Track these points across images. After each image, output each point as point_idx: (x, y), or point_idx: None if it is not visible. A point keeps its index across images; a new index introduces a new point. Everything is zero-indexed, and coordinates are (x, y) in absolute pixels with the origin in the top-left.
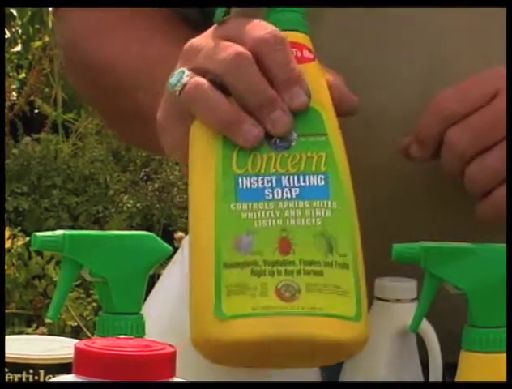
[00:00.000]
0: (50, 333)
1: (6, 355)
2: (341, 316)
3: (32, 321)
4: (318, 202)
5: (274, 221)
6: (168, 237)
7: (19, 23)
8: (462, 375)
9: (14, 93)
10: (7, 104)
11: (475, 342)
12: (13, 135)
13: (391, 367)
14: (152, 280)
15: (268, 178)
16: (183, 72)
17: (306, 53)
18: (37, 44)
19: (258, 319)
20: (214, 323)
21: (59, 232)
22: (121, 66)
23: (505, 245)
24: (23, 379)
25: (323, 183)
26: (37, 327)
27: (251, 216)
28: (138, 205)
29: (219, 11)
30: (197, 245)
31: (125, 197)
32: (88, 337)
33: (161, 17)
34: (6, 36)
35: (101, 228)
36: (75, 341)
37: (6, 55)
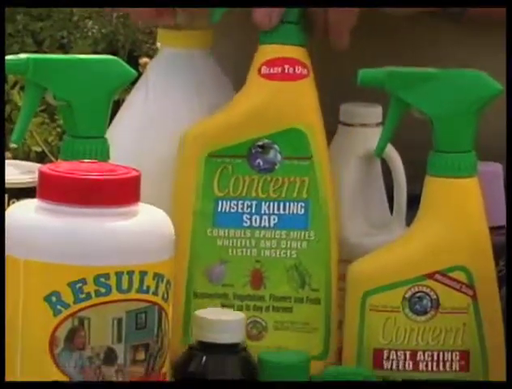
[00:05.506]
0: (15, 158)
1: None
2: None
3: None
4: (296, 232)
5: (249, 251)
6: (133, 62)
7: None
8: (426, 200)
9: None
10: None
11: (440, 167)
12: None
13: (356, 190)
14: (117, 106)
15: (248, 203)
16: None
17: (299, 69)
18: None
19: None
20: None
21: (23, 55)
22: None
23: (471, 70)
24: None
25: (303, 212)
26: None
27: (226, 244)
28: (103, 30)
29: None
30: None
31: (90, 22)
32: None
33: None
34: None
35: (66, 54)
36: (40, 165)
37: None
